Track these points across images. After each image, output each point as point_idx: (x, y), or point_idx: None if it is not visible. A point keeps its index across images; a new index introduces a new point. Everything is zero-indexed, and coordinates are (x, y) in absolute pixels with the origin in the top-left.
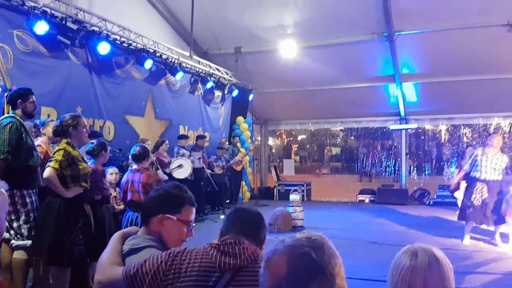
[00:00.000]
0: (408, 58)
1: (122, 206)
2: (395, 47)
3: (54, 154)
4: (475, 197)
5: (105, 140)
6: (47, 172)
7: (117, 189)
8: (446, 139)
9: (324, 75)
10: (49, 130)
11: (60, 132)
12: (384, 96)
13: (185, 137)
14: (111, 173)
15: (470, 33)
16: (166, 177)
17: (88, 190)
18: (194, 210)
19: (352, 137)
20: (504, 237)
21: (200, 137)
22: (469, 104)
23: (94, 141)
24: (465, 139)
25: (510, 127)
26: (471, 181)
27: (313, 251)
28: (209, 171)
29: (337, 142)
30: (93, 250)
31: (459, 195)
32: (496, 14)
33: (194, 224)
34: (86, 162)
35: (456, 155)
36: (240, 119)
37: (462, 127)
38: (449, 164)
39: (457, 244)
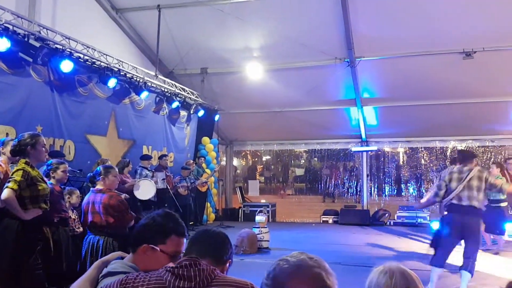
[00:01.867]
0: (369, 83)
1: (81, 229)
2: (356, 72)
3: (12, 174)
4: None
5: (65, 160)
6: (5, 193)
7: (74, 211)
8: (405, 161)
9: (289, 98)
10: (8, 149)
11: (18, 152)
12: (346, 119)
13: (148, 157)
14: (72, 194)
15: (428, 59)
16: (127, 196)
17: (47, 212)
18: (183, 241)
19: (316, 159)
20: None
21: (161, 157)
22: (427, 127)
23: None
24: (422, 161)
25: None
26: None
27: (323, 272)
28: (174, 191)
29: (301, 163)
30: (52, 275)
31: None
32: (452, 41)
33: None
34: (46, 182)
35: (414, 177)
36: (205, 139)
37: (420, 150)
38: (407, 185)
39: (417, 265)
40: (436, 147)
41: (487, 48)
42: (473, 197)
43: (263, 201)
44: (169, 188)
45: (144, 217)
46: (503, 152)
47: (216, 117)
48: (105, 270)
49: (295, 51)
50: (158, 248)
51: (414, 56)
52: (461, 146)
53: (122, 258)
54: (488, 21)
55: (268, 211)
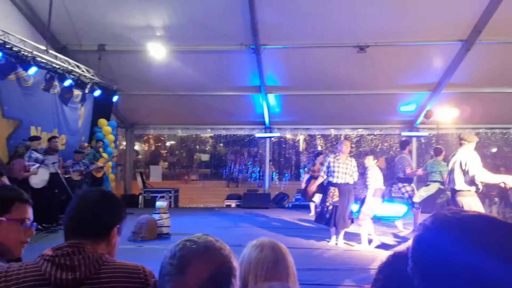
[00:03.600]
0: (273, 71)
1: None
2: (261, 59)
3: None
4: (328, 201)
5: None
6: None
7: None
8: (304, 148)
9: (194, 81)
10: None
11: None
12: (252, 106)
13: (36, 138)
14: None
15: (326, 51)
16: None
17: None
18: (28, 207)
19: (221, 144)
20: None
21: (51, 139)
22: (324, 116)
23: None
24: (319, 148)
25: (359, 137)
26: (326, 186)
27: (230, 254)
28: (66, 176)
29: (207, 149)
30: None
31: (317, 199)
32: (348, 36)
33: (33, 222)
34: None
35: (311, 162)
36: (102, 121)
37: (318, 137)
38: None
39: (311, 244)
40: (331, 135)
41: (378, 43)
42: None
43: (165, 187)
44: (59, 172)
45: None
46: (388, 140)
47: (115, 98)
48: None
49: (201, 34)
50: (4, 218)
51: (314, 47)
52: (353, 134)
53: None
54: (380, 18)
55: (170, 197)
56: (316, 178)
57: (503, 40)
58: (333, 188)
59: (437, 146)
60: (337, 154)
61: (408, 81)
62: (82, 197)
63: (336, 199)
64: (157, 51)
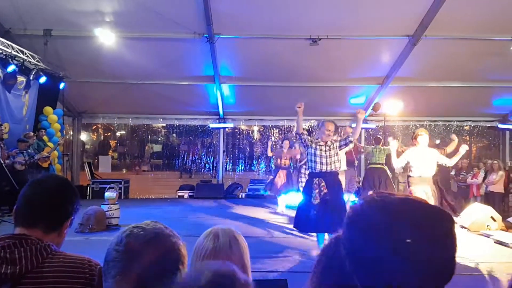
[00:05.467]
0: (227, 61)
1: None
2: (215, 49)
3: None
4: (315, 197)
5: None
6: None
7: None
8: (258, 139)
9: (146, 69)
10: None
11: None
12: (205, 96)
13: None
14: None
15: (280, 43)
16: None
17: None
18: None
19: (174, 134)
20: None
21: None
22: (277, 107)
23: None
24: (273, 139)
25: (310, 128)
26: (308, 180)
27: (179, 241)
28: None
29: (159, 139)
30: None
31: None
32: (301, 28)
33: None
34: None
35: (265, 153)
36: (48, 109)
37: (271, 128)
38: (259, 161)
39: (265, 233)
40: (284, 126)
41: (330, 36)
42: None
43: (115, 178)
44: (2, 162)
45: None
46: (339, 132)
47: (61, 85)
48: None
49: (152, 21)
50: None
51: (268, 38)
52: (305, 125)
53: None
54: (333, 12)
55: (120, 188)
56: (284, 168)
57: (447, 36)
58: (317, 179)
59: (377, 136)
60: (318, 138)
61: (358, 74)
62: (37, 183)
63: (325, 191)
64: (107, 38)
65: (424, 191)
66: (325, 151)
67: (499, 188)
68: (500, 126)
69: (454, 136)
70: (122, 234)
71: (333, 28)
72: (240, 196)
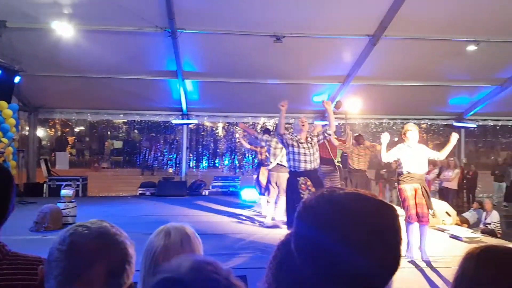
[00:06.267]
0: (190, 56)
1: None
2: (177, 44)
3: None
4: (303, 196)
5: None
6: None
7: None
8: (222, 136)
9: (106, 63)
10: None
11: None
12: (168, 91)
13: None
14: None
15: (244, 39)
16: None
17: None
18: None
19: (136, 131)
20: None
21: None
22: (242, 104)
23: None
24: (237, 136)
25: (275, 126)
26: (290, 179)
27: (126, 240)
28: None
29: (120, 135)
30: None
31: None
32: (265, 25)
33: None
34: None
35: (229, 150)
36: (2, 104)
37: (235, 125)
38: (223, 157)
39: (227, 230)
40: (249, 123)
41: (294, 34)
42: None
43: (73, 175)
44: None
45: None
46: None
47: (17, 79)
48: None
49: (113, 13)
50: None
51: (232, 34)
52: (269, 122)
53: None
54: (296, 10)
55: (78, 185)
56: (264, 165)
57: (406, 36)
58: (303, 178)
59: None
60: (296, 134)
61: (321, 72)
62: None
63: (313, 189)
64: (65, 30)
65: (414, 189)
66: (308, 148)
67: (453, 184)
68: (456, 124)
69: (454, 136)
70: (65, 233)
71: (297, 26)
72: (203, 193)
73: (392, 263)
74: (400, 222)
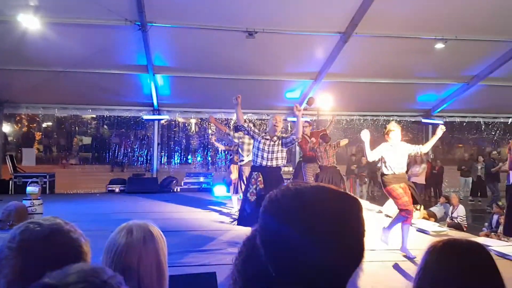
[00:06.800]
0: (161, 51)
1: None
2: (148, 37)
3: None
4: (251, 190)
5: None
6: None
7: None
8: (195, 131)
9: (74, 57)
10: None
11: None
12: (138, 86)
13: None
14: None
15: (216, 34)
16: None
17: None
18: None
19: (105, 126)
20: None
21: None
22: (215, 100)
23: None
24: (210, 132)
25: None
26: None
27: (81, 237)
28: None
29: (88, 131)
30: None
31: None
32: (238, 20)
33: None
34: None
35: (202, 146)
36: None
37: (208, 121)
38: (195, 154)
39: (198, 227)
40: (221, 119)
41: (266, 30)
42: None
43: (40, 171)
44: None
45: None
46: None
47: None
48: None
49: (81, 6)
50: None
51: (204, 29)
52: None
53: None
54: (269, 5)
55: (45, 182)
56: (236, 163)
57: (377, 34)
58: (256, 173)
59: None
60: (266, 132)
61: (293, 69)
62: None
63: (261, 186)
64: (31, 23)
65: (400, 187)
66: (269, 145)
67: (421, 179)
68: (424, 120)
69: (441, 128)
70: (16, 230)
71: (269, 22)
72: (175, 190)
73: (356, 255)
74: (363, 214)
